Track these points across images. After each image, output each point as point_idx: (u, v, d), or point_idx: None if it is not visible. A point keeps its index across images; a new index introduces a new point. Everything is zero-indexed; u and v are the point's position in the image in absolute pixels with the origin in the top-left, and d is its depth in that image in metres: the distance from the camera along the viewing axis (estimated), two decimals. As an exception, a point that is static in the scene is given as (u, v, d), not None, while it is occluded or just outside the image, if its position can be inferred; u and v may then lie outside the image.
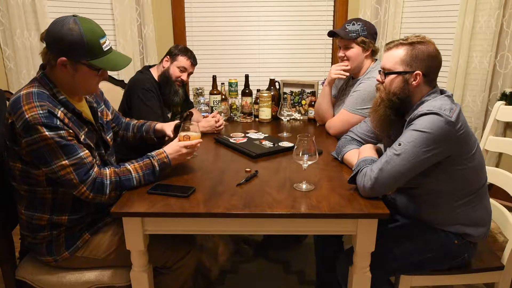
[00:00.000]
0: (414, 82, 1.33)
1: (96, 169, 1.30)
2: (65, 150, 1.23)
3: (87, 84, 1.34)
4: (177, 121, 1.78)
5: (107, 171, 1.33)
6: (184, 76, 2.18)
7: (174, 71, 2.16)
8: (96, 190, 1.29)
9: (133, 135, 1.74)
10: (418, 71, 1.32)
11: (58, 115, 1.23)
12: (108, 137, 1.52)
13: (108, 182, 1.31)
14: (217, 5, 3.11)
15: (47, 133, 1.19)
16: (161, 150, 1.45)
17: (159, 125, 1.74)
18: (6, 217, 1.39)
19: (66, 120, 1.26)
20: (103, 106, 1.57)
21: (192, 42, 3.18)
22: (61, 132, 1.22)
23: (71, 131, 1.26)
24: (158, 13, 3.06)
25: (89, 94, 1.46)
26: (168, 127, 1.73)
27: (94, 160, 1.32)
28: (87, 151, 1.29)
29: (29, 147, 1.21)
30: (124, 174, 1.34)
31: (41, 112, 1.19)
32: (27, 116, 1.18)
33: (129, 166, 1.37)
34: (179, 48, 2.19)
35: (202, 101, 2.42)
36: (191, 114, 1.85)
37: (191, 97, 2.99)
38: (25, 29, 2.60)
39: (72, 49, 1.23)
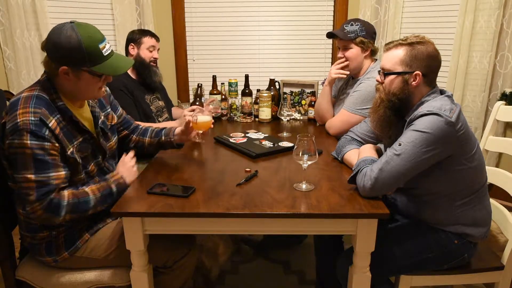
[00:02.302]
0: (413, 83, 1.33)
1: (56, 192, 1.24)
2: (37, 164, 1.20)
3: (91, 90, 1.33)
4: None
5: (66, 192, 1.27)
6: (155, 54, 2.24)
7: (145, 54, 2.20)
8: (51, 210, 1.23)
9: (150, 141, 1.68)
10: (417, 71, 1.32)
11: (50, 124, 1.21)
12: (112, 141, 1.51)
13: (65, 203, 1.25)
14: (217, 5, 3.11)
15: (29, 141, 1.17)
16: (116, 171, 1.42)
17: (179, 129, 1.66)
18: (6, 217, 1.39)
19: (57, 131, 1.24)
20: (109, 109, 1.55)
21: (192, 42, 3.18)
22: (45, 144, 1.20)
23: (57, 144, 1.23)
24: (158, 13, 3.06)
25: (94, 99, 1.45)
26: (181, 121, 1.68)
27: (62, 184, 1.26)
28: (61, 172, 1.25)
29: (8, 150, 1.21)
30: (83, 196, 1.29)
31: (32, 118, 1.18)
32: (18, 120, 1.18)
33: (87, 188, 1.32)
34: (137, 31, 2.23)
35: (203, 100, 2.42)
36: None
37: (191, 97, 3.00)
38: (25, 29, 2.60)
39: (71, 58, 1.21)
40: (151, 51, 2.22)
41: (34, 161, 1.19)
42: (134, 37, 2.21)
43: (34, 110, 1.20)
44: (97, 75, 1.28)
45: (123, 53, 2.86)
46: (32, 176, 1.20)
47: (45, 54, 1.26)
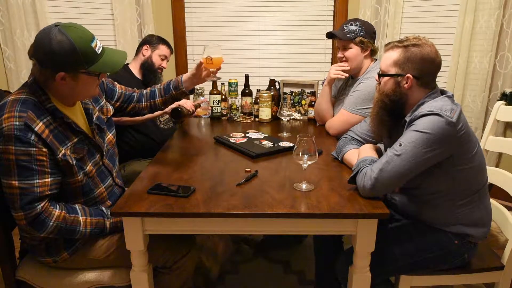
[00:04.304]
0: (405, 85, 1.34)
1: (44, 203, 1.22)
2: (20, 170, 1.18)
3: (89, 90, 1.31)
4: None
5: (57, 212, 1.25)
6: (164, 64, 2.34)
7: (157, 60, 2.30)
8: (35, 225, 1.22)
9: (162, 100, 1.66)
10: (409, 74, 1.33)
11: (36, 128, 1.19)
12: (110, 135, 1.50)
13: (51, 223, 1.24)
14: (217, 5, 3.11)
15: (13, 147, 1.16)
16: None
17: (186, 76, 1.62)
18: (6, 217, 1.39)
19: (46, 134, 1.21)
20: (103, 102, 1.52)
21: (192, 42, 3.18)
22: (31, 149, 1.18)
23: (44, 149, 1.21)
24: (158, 13, 3.06)
25: (90, 98, 1.44)
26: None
27: (48, 191, 1.23)
28: (47, 179, 1.22)
29: None
30: (72, 224, 1.28)
31: (17, 123, 1.16)
32: (4, 125, 1.16)
33: (81, 217, 1.31)
34: (156, 37, 2.34)
35: (201, 98, 2.43)
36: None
37: (191, 97, 3.00)
38: (25, 29, 2.60)
39: (67, 62, 1.19)
40: (162, 59, 2.31)
41: (17, 167, 1.18)
42: (152, 41, 2.30)
43: (19, 115, 1.17)
44: (95, 74, 1.26)
45: (126, 51, 2.90)
46: (15, 183, 1.19)
47: (34, 62, 1.22)
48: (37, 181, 1.21)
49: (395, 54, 1.35)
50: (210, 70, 1.60)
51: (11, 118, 1.17)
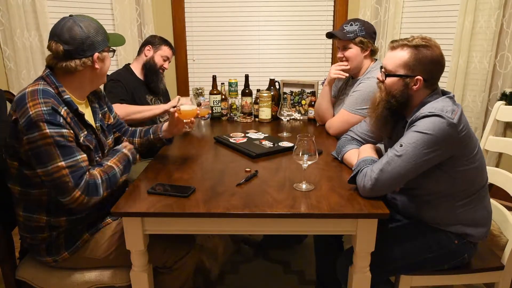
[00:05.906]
0: (414, 87, 1.33)
1: (87, 174, 1.27)
2: (62, 150, 1.21)
3: (105, 74, 1.41)
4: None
5: (96, 171, 1.30)
6: (166, 65, 2.34)
7: (159, 60, 2.29)
8: (91, 193, 1.25)
9: (140, 141, 1.69)
10: (419, 76, 1.31)
11: (62, 113, 1.23)
12: (109, 139, 1.52)
13: (100, 181, 1.28)
14: (217, 5, 3.11)
15: (48, 130, 1.18)
16: (124, 143, 1.53)
17: (165, 125, 1.67)
18: (6, 217, 1.39)
19: (68, 119, 1.26)
20: (106, 109, 1.56)
21: (192, 42, 3.18)
22: (63, 130, 1.21)
23: (71, 131, 1.25)
24: (158, 13, 3.06)
25: (100, 86, 1.48)
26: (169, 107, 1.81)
27: (89, 165, 1.29)
28: (84, 154, 1.27)
29: (29, 145, 1.19)
30: (110, 171, 1.34)
31: (44, 108, 1.19)
32: (30, 112, 1.18)
33: (109, 162, 1.37)
34: (159, 38, 2.34)
35: (202, 100, 2.42)
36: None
37: (191, 96, 3.00)
38: (25, 29, 2.60)
39: (99, 41, 1.32)
40: (164, 60, 2.31)
41: (59, 148, 1.20)
42: (154, 41, 2.30)
43: (44, 101, 1.20)
44: (111, 51, 1.39)
45: (125, 53, 2.96)
46: (62, 163, 1.20)
47: (67, 59, 1.27)
48: (80, 156, 1.25)
49: (405, 55, 1.32)
50: (184, 121, 1.61)
51: (37, 104, 1.19)
